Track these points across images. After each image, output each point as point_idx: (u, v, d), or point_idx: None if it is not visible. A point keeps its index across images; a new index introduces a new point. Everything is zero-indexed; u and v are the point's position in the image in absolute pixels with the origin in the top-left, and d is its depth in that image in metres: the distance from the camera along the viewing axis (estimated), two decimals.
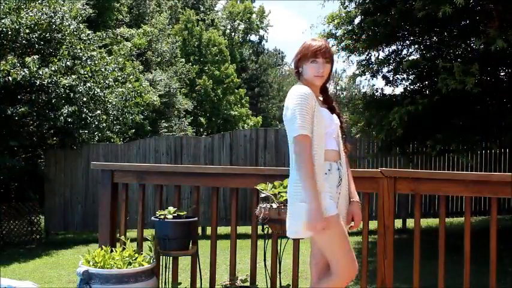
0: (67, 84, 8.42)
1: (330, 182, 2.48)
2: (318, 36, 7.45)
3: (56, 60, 8.52)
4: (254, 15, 31.88)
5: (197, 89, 23.44)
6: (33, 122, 8.41)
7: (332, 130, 2.57)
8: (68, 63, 8.64)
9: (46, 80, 8.15)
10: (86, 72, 8.99)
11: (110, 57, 10.50)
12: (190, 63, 22.64)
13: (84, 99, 8.92)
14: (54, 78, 8.27)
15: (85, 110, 9.01)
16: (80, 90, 8.71)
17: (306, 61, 2.55)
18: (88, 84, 8.89)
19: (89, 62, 9.22)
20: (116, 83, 10.19)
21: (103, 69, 9.58)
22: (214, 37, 25.26)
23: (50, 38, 8.75)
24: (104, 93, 9.39)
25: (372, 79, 7.56)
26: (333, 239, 2.43)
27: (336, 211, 2.43)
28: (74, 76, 8.62)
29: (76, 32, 9.24)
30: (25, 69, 7.94)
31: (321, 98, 2.67)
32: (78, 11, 9.99)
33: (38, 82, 8.10)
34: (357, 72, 7.62)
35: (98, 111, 9.27)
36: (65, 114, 8.42)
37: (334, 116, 2.65)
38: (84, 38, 9.55)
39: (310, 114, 2.44)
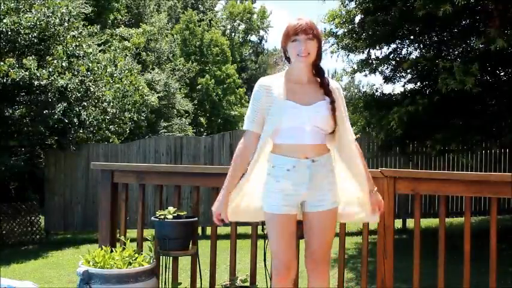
0: (64, 85, 8.41)
1: (293, 180, 2.45)
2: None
3: (50, 59, 8.50)
4: (255, 16, 31.86)
5: (199, 88, 23.44)
6: (31, 122, 8.40)
7: (299, 124, 2.44)
8: (64, 63, 8.62)
9: (44, 81, 8.15)
10: (81, 71, 8.97)
11: (103, 54, 10.43)
12: (190, 62, 22.64)
13: (76, 95, 8.86)
14: (51, 78, 8.26)
15: (78, 108, 8.97)
16: (73, 86, 8.66)
17: (289, 41, 2.41)
18: (77, 80, 8.81)
19: (85, 60, 9.20)
20: (112, 79, 10.12)
21: (98, 67, 9.52)
22: (217, 37, 25.28)
23: (48, 37, 8.74)
24: (99, 89, 9.35)
25: (371, 74, 7.55)
26: (269, 235, 2.54)
27: (279, 210, 2.47)
28: (69, 75, 8.60)
29: (72, 29, 9.20)
30: (23, 70, 7.94)
31: (318, 80, 2.51)
32: (78, 8, 9.96)
33: (36, 83, 8.11)
34: (356, 69, 7.61)
35: (91, 108, 9.23)
36: (58, 112, 8.40)
37: (317, 106, 2.45)
38: (81, 35, 9.52)
39: (259, 108, 2.47)
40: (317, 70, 2.50)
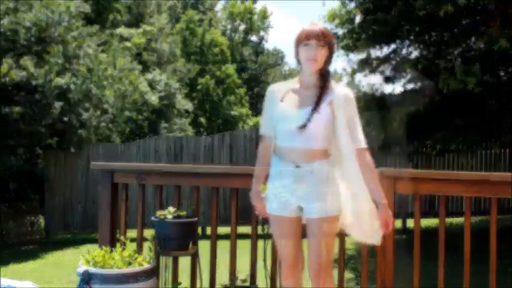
0: (63, 85, 8.39)
1: (282, 181, 2.50)
2: None
3: (48, 58, 8.49)
4: (256, 16, 31.84)
5: (199, 88, 23.43)
6: (30, 121, 8.39)
7: (293, 126, 2.43)
8: (60, 61, 8.60)
9: (41, 81, 8.13)
10: (81, 71, 8.95)
11: (101, 53, 10.40)
12: (191, 63, 22.64)
13: (77, 97, 8.85)
14: (49, 78, 8.25)
15: (78, 108, 8.95)
16: (74, 88, 8.64)
17: (300, 45, 2.44)
18: (79, 81, 8.79)
19: (86, 60, 9.18)
20: (113, 80, 10.11)
21: (98, 68, 9.49)
22: (217, 38, 25.28)
23: (46, 37, 8.73)
24: (100, 90, 9.33)
25: (371, 74, 7.56)
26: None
27: (276, 211, 2.54)
28: (68, 74, 8.58)
29: (72, 29, 9.18)
30: (21, 70, 7.93)
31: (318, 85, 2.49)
32: (76, 8, 9.93)
33: (34, 82, 8.09)
34: (356, 69, 7.61)
35: (92, 108, 9.21)
36: (56, 111, 8.38)
37: (308, 110, 2.42)
38: (80, 35, 9.50)
39: (269, 112, 2.56)
40: (321, 76, 2.50)
